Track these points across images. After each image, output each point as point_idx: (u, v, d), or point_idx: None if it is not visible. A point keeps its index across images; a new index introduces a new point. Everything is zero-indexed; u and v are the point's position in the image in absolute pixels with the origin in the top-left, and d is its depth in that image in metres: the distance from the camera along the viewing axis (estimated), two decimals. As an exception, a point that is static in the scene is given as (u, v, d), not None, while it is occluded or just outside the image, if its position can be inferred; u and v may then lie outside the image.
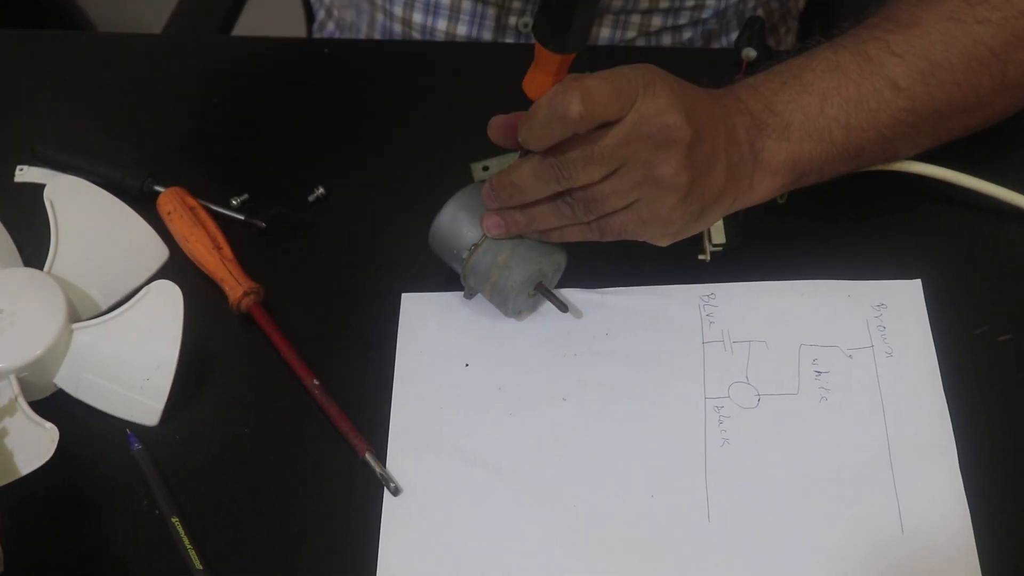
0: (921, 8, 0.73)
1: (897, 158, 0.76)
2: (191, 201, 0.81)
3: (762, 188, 0.71)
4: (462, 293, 0.76)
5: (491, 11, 0.96)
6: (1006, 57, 0.73)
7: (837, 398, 0.71)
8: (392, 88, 0.90)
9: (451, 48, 0.98)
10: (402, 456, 0.70)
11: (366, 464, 0.70)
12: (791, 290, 0.76)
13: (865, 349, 0.73)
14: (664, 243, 0.70)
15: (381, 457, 0.70)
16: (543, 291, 0.74)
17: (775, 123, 0.70)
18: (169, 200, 0.81)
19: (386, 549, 0.67)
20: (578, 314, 0.76)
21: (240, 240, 0.80)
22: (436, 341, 0.75)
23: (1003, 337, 0.73)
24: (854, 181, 0.76)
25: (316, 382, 0.73)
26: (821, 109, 0.71)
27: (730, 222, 0.74)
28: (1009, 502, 0.67)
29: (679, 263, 0.76)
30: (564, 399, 0.72)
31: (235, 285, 0.76)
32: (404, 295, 0.77)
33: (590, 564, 0.66)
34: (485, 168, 0.82)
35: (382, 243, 0.81)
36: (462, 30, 0.98)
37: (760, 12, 1.02)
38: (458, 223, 0.72)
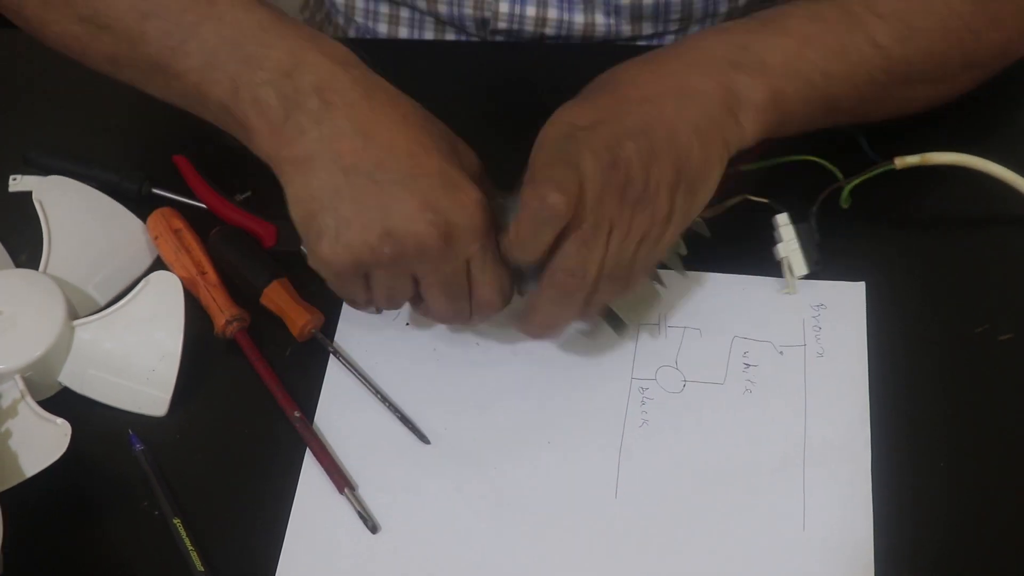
0: None
1: (860, 121, 0.75)
2: (177, 223, 0.79)
3: (752, 125, 0.68)
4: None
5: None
6: (979, 36, 0.73)
7: (762, 392, 0.72)
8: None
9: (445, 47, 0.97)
10: (333, 410, 0.73)
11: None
12: (734, 283, 0.76)
13: (797, 347, 0.73)
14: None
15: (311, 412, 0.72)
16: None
17: (749, 59, 0.68)
18: (156, 224, 0.80)
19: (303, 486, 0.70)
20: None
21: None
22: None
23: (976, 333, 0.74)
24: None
25: (297, 414, 0.71)
26: (800, 52, 0.69)
27: (809, 248, 0.74)
28: (917, 511, 0.67)
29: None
30: (494, 365, 0.74)
31: (218, 312, 0.75)
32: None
33: (492, 525, 0.68)
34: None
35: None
36: (403, 32, 0.99)
37: None
38: None
